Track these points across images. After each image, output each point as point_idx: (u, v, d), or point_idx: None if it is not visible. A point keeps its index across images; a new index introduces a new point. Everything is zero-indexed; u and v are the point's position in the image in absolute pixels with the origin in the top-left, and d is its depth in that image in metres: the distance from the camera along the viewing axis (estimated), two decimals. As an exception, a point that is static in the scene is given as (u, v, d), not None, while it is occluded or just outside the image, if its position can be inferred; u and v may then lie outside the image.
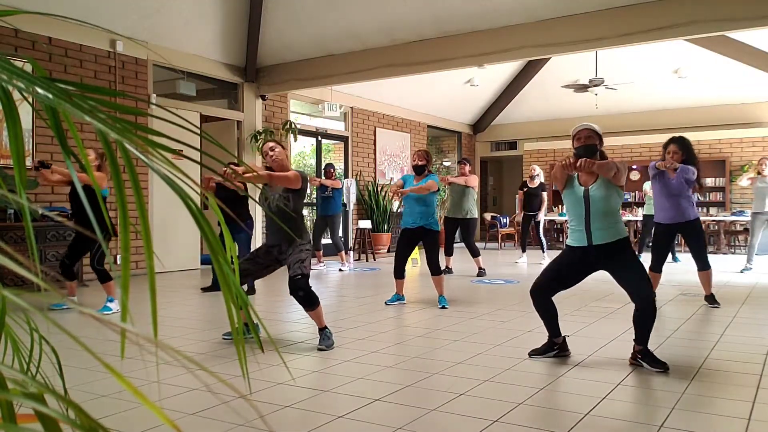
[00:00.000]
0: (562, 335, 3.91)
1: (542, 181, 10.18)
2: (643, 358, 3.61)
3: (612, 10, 7.32)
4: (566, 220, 16.52)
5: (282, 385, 3.26)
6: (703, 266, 5.75)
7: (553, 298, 3.86)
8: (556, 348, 3.89)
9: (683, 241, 5.85)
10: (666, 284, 6.23)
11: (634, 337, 3.67)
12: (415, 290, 6.89)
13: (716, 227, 12.45)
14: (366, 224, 11.10)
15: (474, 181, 8.44)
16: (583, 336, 4.52)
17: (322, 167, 10.30)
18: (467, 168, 8.56)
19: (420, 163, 5.98)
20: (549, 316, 3.87)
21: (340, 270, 9.29)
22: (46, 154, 7.29)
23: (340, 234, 10.03)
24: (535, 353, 3.88)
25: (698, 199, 13.52)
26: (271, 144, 4.44)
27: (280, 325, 5.02)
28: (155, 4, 8.09)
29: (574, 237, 3.78)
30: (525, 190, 10.06)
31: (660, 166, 5.55)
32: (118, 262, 6.17)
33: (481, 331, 4.72)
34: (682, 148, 5.57)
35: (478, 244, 9.10)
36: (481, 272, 8.41)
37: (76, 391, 3.10)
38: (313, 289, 4.22)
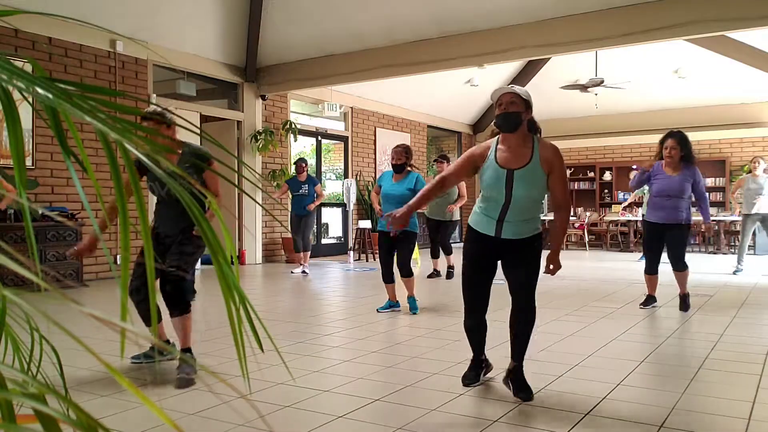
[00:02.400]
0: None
1: None
2: (513, 378, 3.06)
3: (612, 10, 7.32)
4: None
5: (282, 385, 3.26)
6: (680, 267, 5.47)
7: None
8: (483, 366, 3.33)
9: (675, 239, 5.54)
10: (666, 284, 6.23)
11: (510, 350, 3.16)
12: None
13: (716, 227, 12.45)
14: (366, 224, 11.11)
15: (463, 191, 7.96)
16: (583, 336, 4.52)
17: (293, 161, 9.48)
18: (445, 165, 7.97)
19: (399, 162, 5.50)
20: (480, 334, 3.29)
21: (303, 273, 8.69)
22: (46, 154, 7.30)
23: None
24: (466, 380, 3.28)
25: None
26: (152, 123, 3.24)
27: (281, 325, 5.02)
28: (155, 4, 8.09)
29: (480, 221, 3.12)
30: None
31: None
32: (118, 262, 6.16)
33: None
34: (680, 144, 5.32)
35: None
36: (449, 272, 8.02)
37: (76, 391, 3.10)
38: (189, 291, 3.51)
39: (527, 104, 3.02)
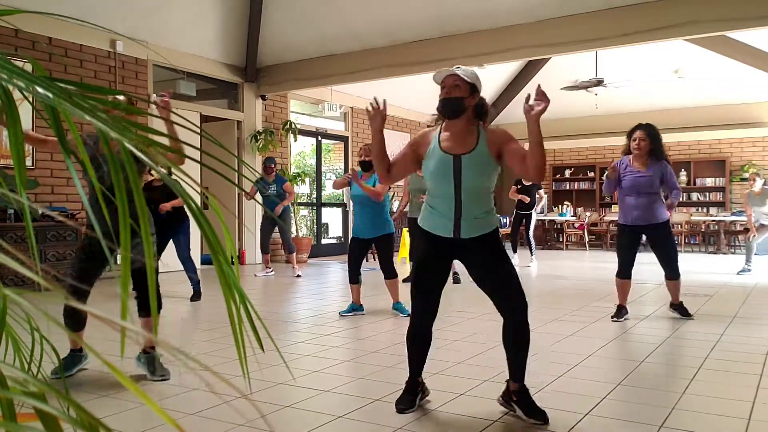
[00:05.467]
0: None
1: None
2: (518, 401, 2.76)
3: (612, 10, 7.32)
4: (565, 221, 16.36)
5: (282, 385, 3.26)
6: (673, 275, 5.10)
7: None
8: (419, 390, 2.97)
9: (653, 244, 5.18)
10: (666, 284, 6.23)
11: (508, 369, 2.86)
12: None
13: (716, 227, 12.45)
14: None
15: None
16: (583, 336, 4.52)
17: (262, 162, 8.93)
18: None
19: (367, 159, 5.36)
20: (424, 345, 3.01)
21: (297, 276, 8.35)
22: (46, 153, 7.29)
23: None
24: (401, 405, 2.90)
25: (698, 198, 13.56)
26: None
27: (281, 325, 5.02)
28: (155, 4, 8.09)
29: (433, 222, 2.85)
30: (519, 186, 9.60)
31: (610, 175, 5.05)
32: (118, 262, 6.10)
33: (480, 331, 4.72)
34: (650, 137, 4.98)
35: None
36: (456, 277, 7.49)
37: (77, 390, 3.10)
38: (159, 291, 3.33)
39: (473, 88, 2.76)
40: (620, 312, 5.18)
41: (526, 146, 2.74)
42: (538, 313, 5.46)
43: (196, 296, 6.32)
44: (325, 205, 12.30)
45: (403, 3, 8.42)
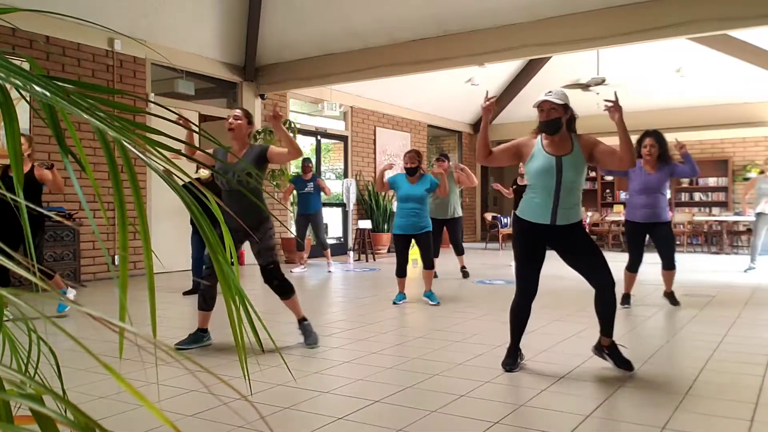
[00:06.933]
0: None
1: None
2: (609, 353, 3.57)
3: (613, 9, 7.31)
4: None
5: (282, 386, 3.25)
6: (670, 266, 5.66)
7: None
8: (519, 354, 3.65)
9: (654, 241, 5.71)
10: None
11: (600, 328, 3.60)
12: (414, 290, 6.87)
13: (719, 227, 12.44)
14: (366, 224, 11.10)
15: (465, 181, 8.04)
16: (583, 337, 4.50)
17: (301, 162, 9.41)
18: (446, 164, 7.95)
19: (413, 165, 6.08)
20: (525, 317, 3.62)
21: (329, 272, 8.97)
22: (43, 153, 7.28)
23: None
24: (507, 366, 3.57)
25: (701, 198, 13.57)
26: (237, 112, 4.38)
27: (281, 326, 5.01)
28: (154, 3, 8.08)
29: (534, 211, 3.47)
30: (515, 187, 9.57)
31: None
32: (116, 262, 6.07)
33: (482, 331, 4.71)
34: (659, 142, 5.47)
35: (479, 244, 9.04)
36: (464, 272, 8.17)
37: (74, 392, 3.09)
38: (287, 277, 4.22)
39: (566, 107, 3.43)
40: (626, 299, 5.74)
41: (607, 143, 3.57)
42: (540, 313, 5.44)
43: (191, 293, 6.32)
44: (325, 205, 12.26)
45: (403, 2, 8.40)
